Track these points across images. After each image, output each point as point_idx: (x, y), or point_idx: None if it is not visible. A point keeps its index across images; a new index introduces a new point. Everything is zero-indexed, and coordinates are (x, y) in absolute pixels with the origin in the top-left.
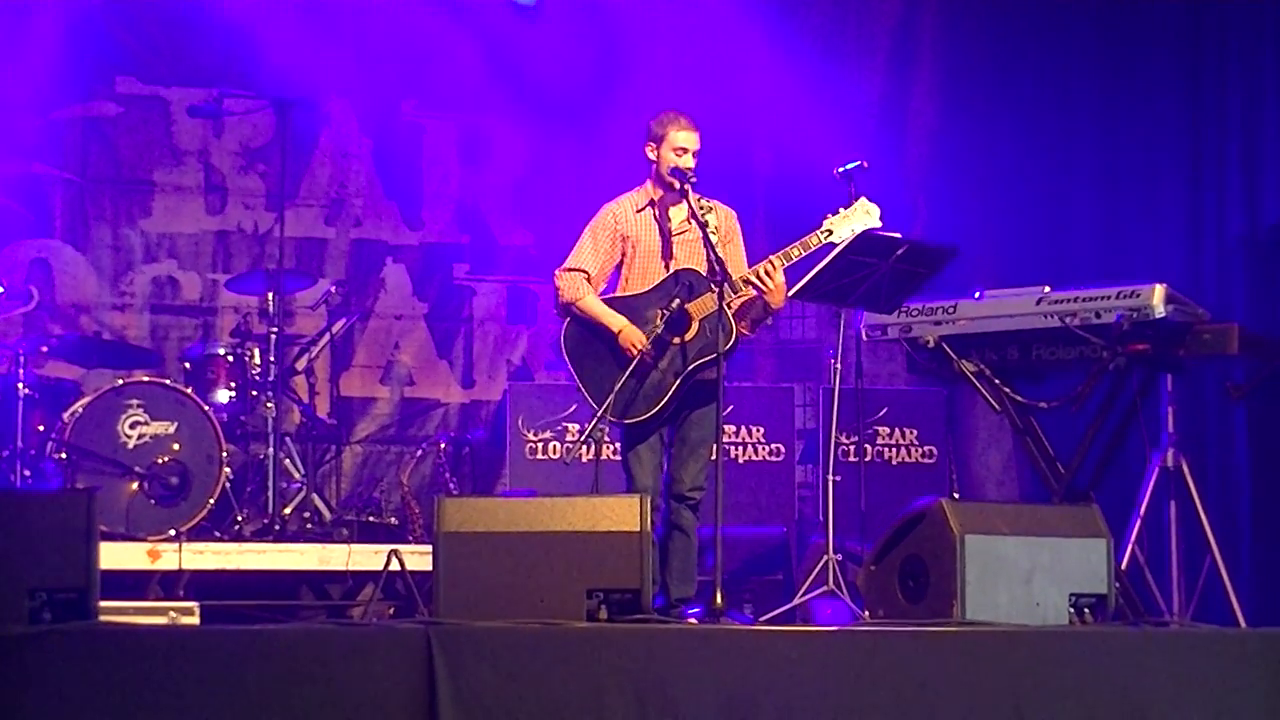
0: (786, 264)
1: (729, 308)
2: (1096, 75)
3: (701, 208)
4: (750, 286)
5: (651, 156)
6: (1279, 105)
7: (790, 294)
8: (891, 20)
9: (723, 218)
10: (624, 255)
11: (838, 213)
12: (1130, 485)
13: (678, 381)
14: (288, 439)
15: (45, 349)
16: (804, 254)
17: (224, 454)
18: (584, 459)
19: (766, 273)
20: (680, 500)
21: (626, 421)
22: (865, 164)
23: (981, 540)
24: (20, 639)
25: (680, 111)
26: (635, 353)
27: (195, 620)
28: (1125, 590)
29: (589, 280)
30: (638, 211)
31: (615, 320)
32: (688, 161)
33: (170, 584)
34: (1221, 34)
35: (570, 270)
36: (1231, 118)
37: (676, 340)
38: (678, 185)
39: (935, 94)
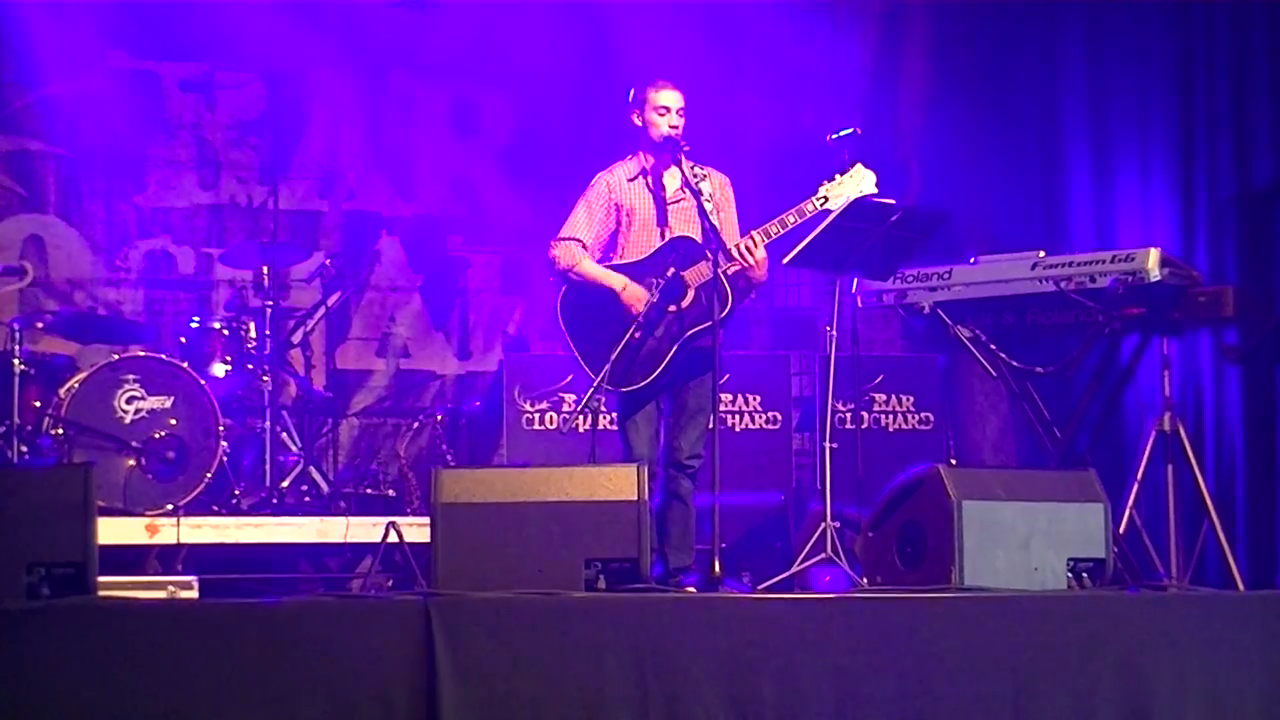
0: (768, 239)
1: (724, 275)
2: (1086, 36)
3: (695, 175)
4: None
5: (637, 123)
6: (1270, 62)
7: (784, 261)
8: None
9: (716, 184)
10: (619, 224)
11: (833, 179)
12: (1127, 449)
13: (674, 349)
14: (284, 412)
15: (40, 325)
16: (783, 230)
17: (221, 428)
18: (581, 429)
19: (747, 248)
20: (679, 469)
21: (623, 390)
22: (858, 130)
23: (979, 506)
24: (19, 614)
25: (659, 74)
26: (639, 309)
27: (194, 594)
28: (1123, 554)
29: (584, 249)
30: (630, 180)
31: (616, 279)
32: (673, 120)
33: (168, 558)
34: None
35: (565, 239)
36: (1220, 76)
37: (673, 308)
38: (671, 154)
39: (927, 58)
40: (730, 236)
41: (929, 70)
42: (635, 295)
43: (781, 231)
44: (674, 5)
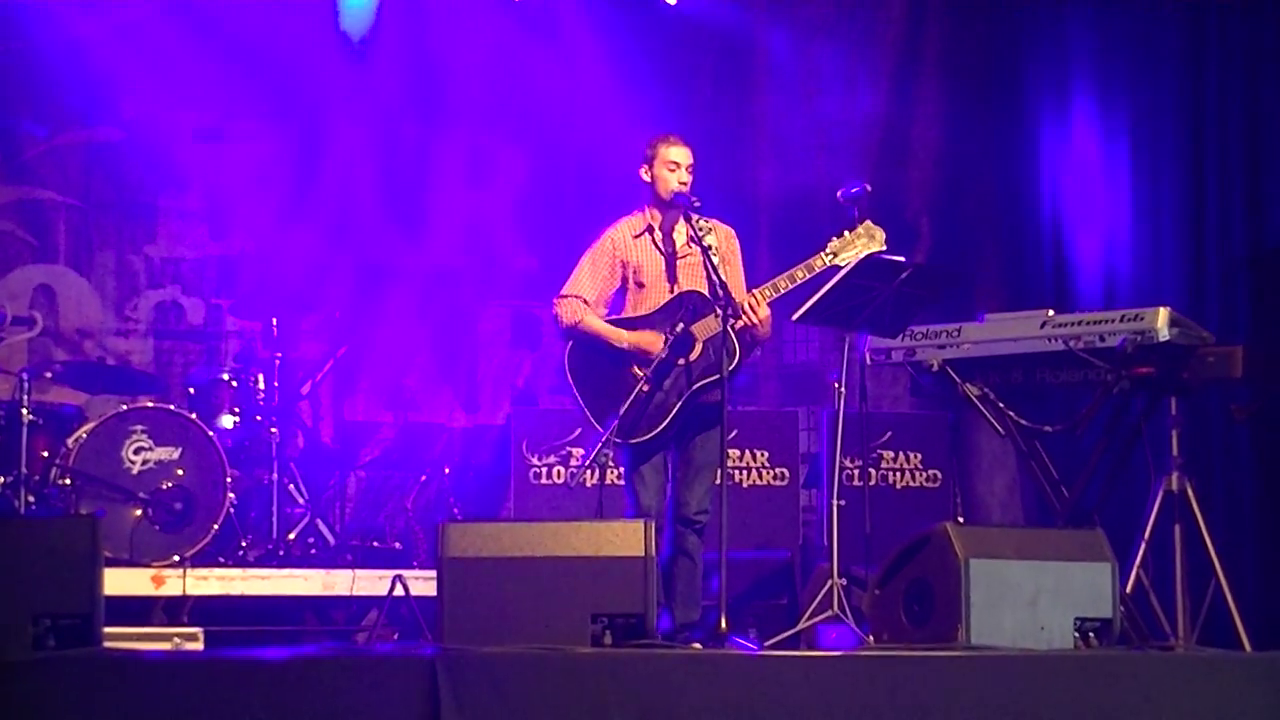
0: (775, 294)
1: (732, 329)
2: (1096, 94)
3: (701, 228)
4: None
5: (646, 178)
6: None
7: (794, 318)
8: (895, 41)
9: (722, 238)
10: (624, 280)
11: (842, 235)
12: (1135, 509)
13: (680, 402)
14: (292, 464)
15: (49, 375)
16: (791, 285)
17: (228, 479)
18: (588, 484)
19: (751, 306)
20: (686, 524)
21: (630, 441)
22: (869, 187)
23: (986, 564)
24: (25, 665)
25: (669, 131)
26: (657, 350)
27: (199, 646)
28: (1130, 614)
29: (587, 305)
30: (635, 237)
31: (622, 335)
32: (682, 176)
33: (174, 610)
34: (1223, 50)
35: (567, 296)
36: (1233, 134)
37: (681, 361)
38: (681, 209)
39: (939, 116)
40: (736, 289)
41: (939, 127)
42: (649, 340)
43: (789, 287)
44: (682, 59)
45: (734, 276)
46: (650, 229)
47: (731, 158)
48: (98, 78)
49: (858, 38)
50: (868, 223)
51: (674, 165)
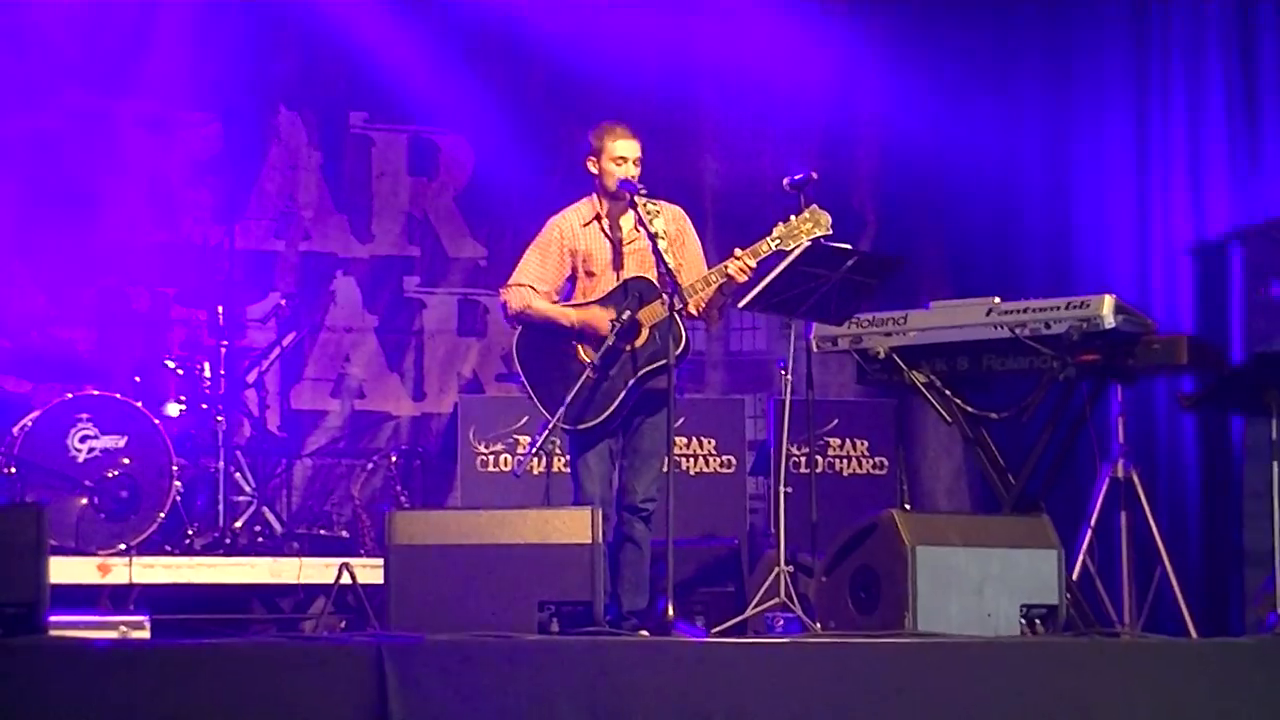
0: (720, 280)
1: (689, 311)
2: (1045, 81)
3: (648, 212)
4: (714, 283)
5: (593, 170)
6: (1224, 113)
7: (740, 305)
8: (840, 28)
9: (671, 218)
10: (574, 269)
11: (788, 220)
12: (1081, 495)
13: (626, 388)
14: (238, 452)
15: None
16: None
17: (174, 468)
18: (535, 471)
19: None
20: (633, 512)
21: (576, 428)
22: (815, 175)
23: (933, 551)
24: None
25: (617, 121)
26: (604, 329)
27: (146, 634)
28: (1076, 601)
29: (536, 294)
30: (584, 225)
31: (571, 314)
32: (629, 170)
33: (121, 598)
34: (1164, 38)
35: (515, 285)
36: (1176, 126)
37: (627, 348)
38: (627, 198)
39: (887, 104)
40: (695, 267)
41: (886, 114)
42: (597, 317)
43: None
44: (628, 41)
45: (692, 254)
46: (598, 216)
47: (676, 147)
48: (39, 64)
49: (805, 21)
50: (814, 207)
51: (621, 159)
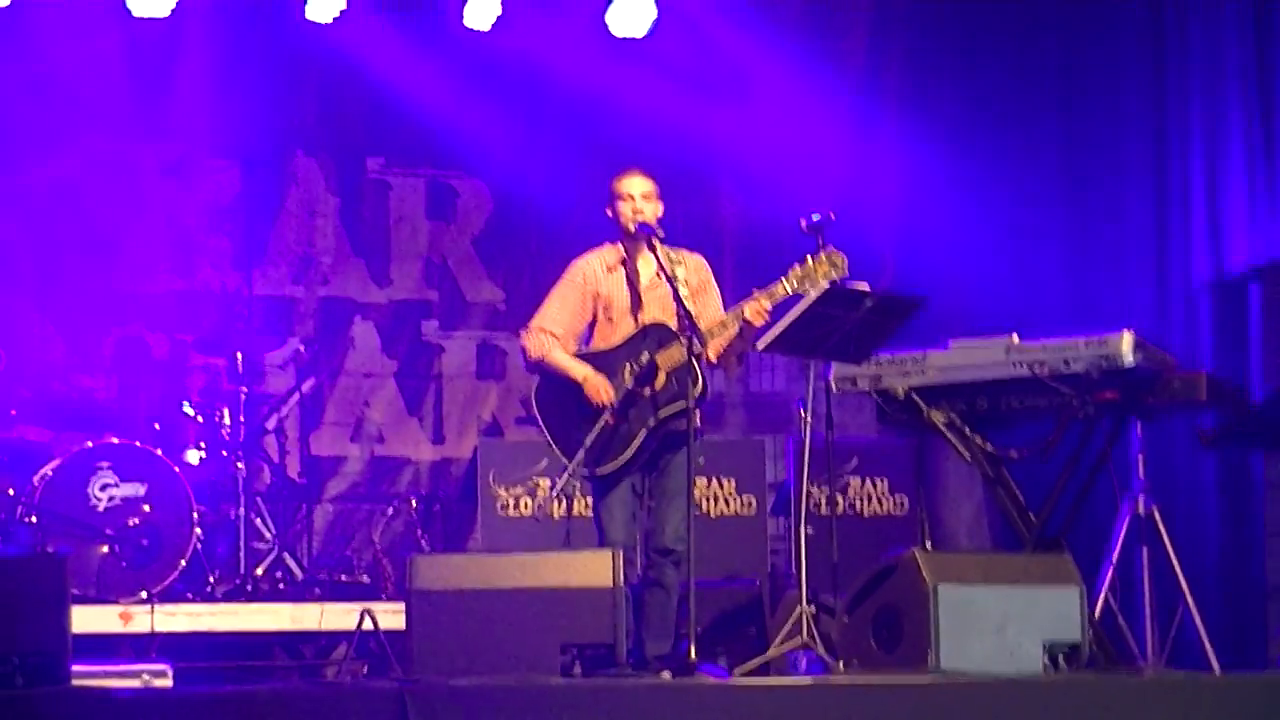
0: (739, 322)
1: (708, 358)
2: (1062, 119)
3: (670, 260)
4: (731, 327)
5: (610, 215)
6: (1243, 146)
7: (759, 347)
8: (858, 69)
9: (693, 268)
10: (595, 313)
11: (805, 262)
12: (1102, 533)
13: (644, 432)
14: (259, 498)
15: (14, 412)
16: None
17: (195, 515)
18: (556, 515)
19: (756, 312)
20: (663, 554)
21: (596, 472)
22: (833, 215)
23: (954, 590)
24: None
25: (628, 166)
26: (600, 399)
27: (168, 682)
28: (1099, 637)
29: (555, 339)
30: (609, 270)
31: (579, 370)
32: (638, 206)
33: (143, 646)
34: (1182, 77)
35: (535, 330)
36: (1195, 161)
37: (646, 391)
38: (645, 241)
39: (903, 143)
40: (715, 316)
41: (904, 153)
42: (597, 386)
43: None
44: (646, 85)
45: (712, 303)
46: (624, 262)
47: (694, 189)
48: (59, 111)
49: (819, 59)
50: (830, 249)
51: (629, 196)
